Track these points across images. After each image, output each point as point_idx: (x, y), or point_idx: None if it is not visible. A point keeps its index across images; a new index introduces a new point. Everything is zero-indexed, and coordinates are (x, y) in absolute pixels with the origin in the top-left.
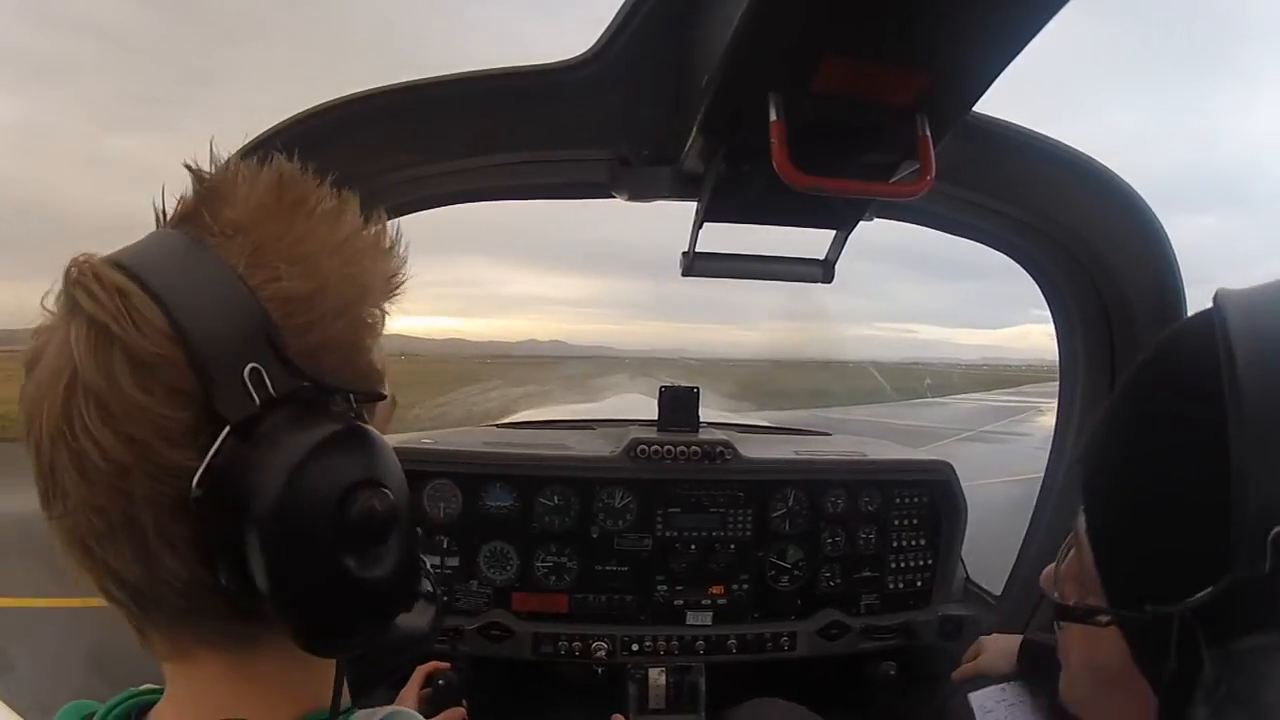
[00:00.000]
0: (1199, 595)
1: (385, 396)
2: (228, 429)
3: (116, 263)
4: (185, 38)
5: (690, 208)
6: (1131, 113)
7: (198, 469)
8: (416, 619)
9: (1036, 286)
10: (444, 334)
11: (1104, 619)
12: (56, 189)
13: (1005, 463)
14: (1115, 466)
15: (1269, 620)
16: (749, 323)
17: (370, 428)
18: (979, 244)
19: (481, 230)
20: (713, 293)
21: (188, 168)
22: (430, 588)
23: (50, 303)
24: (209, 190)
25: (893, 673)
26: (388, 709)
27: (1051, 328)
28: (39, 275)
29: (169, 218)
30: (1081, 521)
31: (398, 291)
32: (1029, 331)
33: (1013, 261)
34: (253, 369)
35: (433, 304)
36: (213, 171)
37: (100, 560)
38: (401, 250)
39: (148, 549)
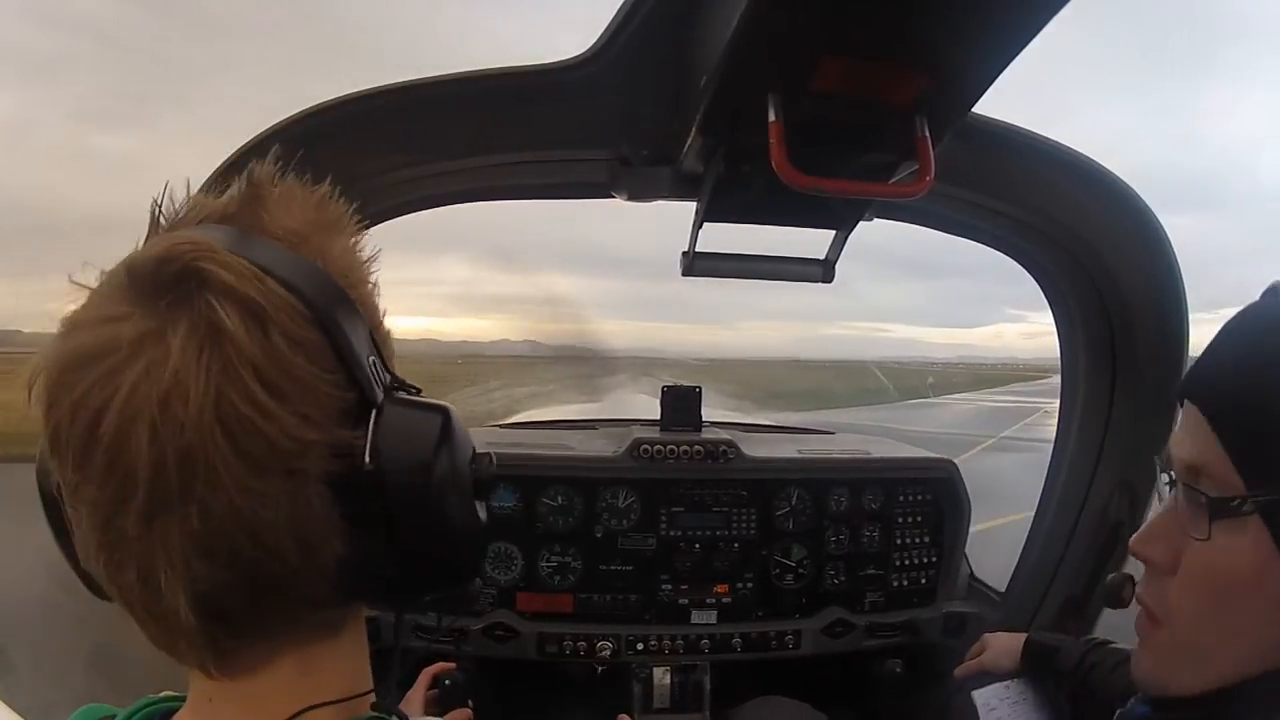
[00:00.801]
0: None
1: (420, 391)
2: (378, 408)
3: (232, 249)
4: (170, 34)
5: (669, 206)
6: (1110, 113)
7: (362, 446)
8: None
9: (1008, 288)
10: (418, 334)
11: (1248, 507)
12: (44, 186)
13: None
14: (1244, 368)
15: None
16: (726, 323)
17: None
18: (954, 244)
19: (455, 229)
20: (689, 292)
21: (235, 170)
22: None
23: (102, 288)
24: (255, 193)
25: (899, 670)
26: None
27: (1026, 327)
28: (30, 273)
29: (198, 213)
30: (1196, 450)
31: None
32: (1003, 331)
33: (984, 262)
34: (373, 360)
35: (410, 303)
36: (256, 174)
37: (247, 559)
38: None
39: (310, 534)
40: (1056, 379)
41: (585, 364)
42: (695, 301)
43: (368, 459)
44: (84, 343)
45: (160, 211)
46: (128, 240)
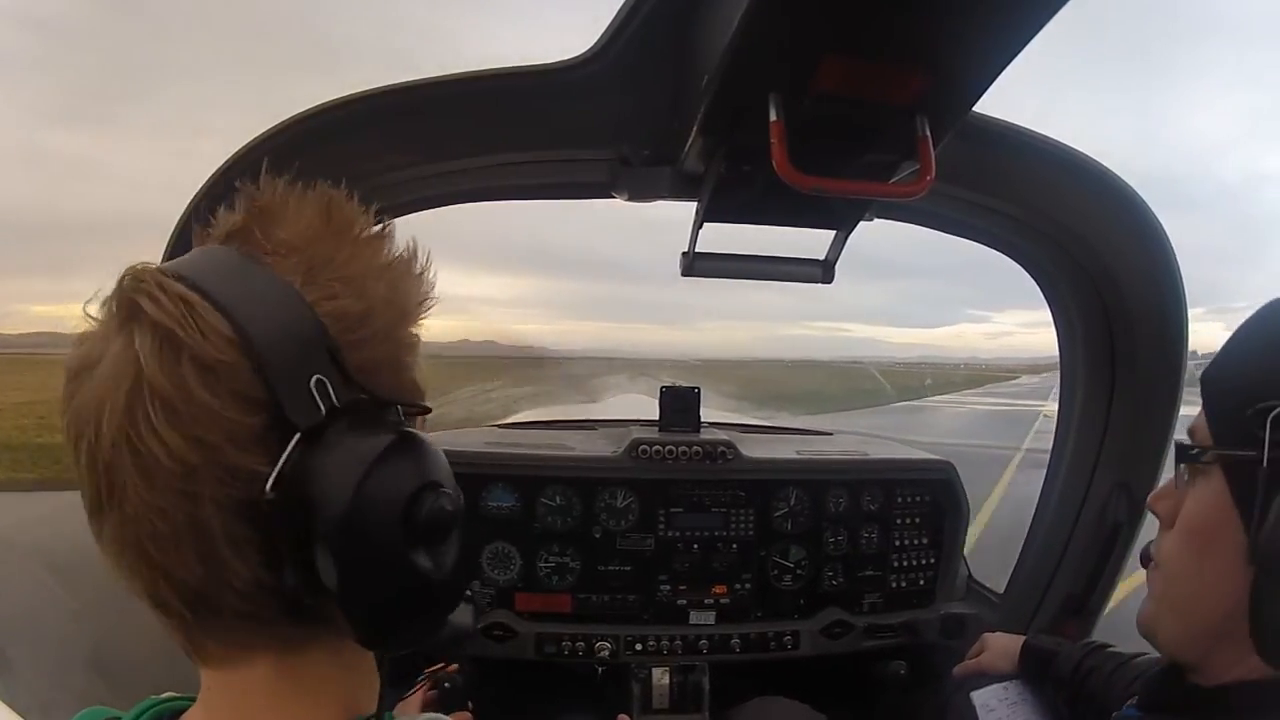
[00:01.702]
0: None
1: (430, 410)
2: (298, 435)
3: (176, 274)
4: (125, 31)
5: (631, 207)
6: (1073, 110)
7: (267, 473)
8: (460, 616)
9: (968, 289)
10: None
11: (1208, 458)
12: None
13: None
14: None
15: None
16: (686, 323)
17: (424, 434)
18: (915, 245)
19: (426, 230)
20: (649, 294)
21: (235, 187)
22: (469, 588)
23: (94, 310)
24: (260, 210)
25: (902, 672)
26: (425, 715)
27: (989, 328)
28: None
29: (214, 233)
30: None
31: (427, 314)
32: (964, 331)
33: (947, 264)
34: (318, 380)
35: None
36: (261, 191)
37: (158, 564)
38: (430, 275)
39: (212, 551)
40: (1025, 378)
41: (541, 365)
42: (655, 302)
43: (268, 487)
44: (72, 357)
45: (199, 227)
46: (82, 241)
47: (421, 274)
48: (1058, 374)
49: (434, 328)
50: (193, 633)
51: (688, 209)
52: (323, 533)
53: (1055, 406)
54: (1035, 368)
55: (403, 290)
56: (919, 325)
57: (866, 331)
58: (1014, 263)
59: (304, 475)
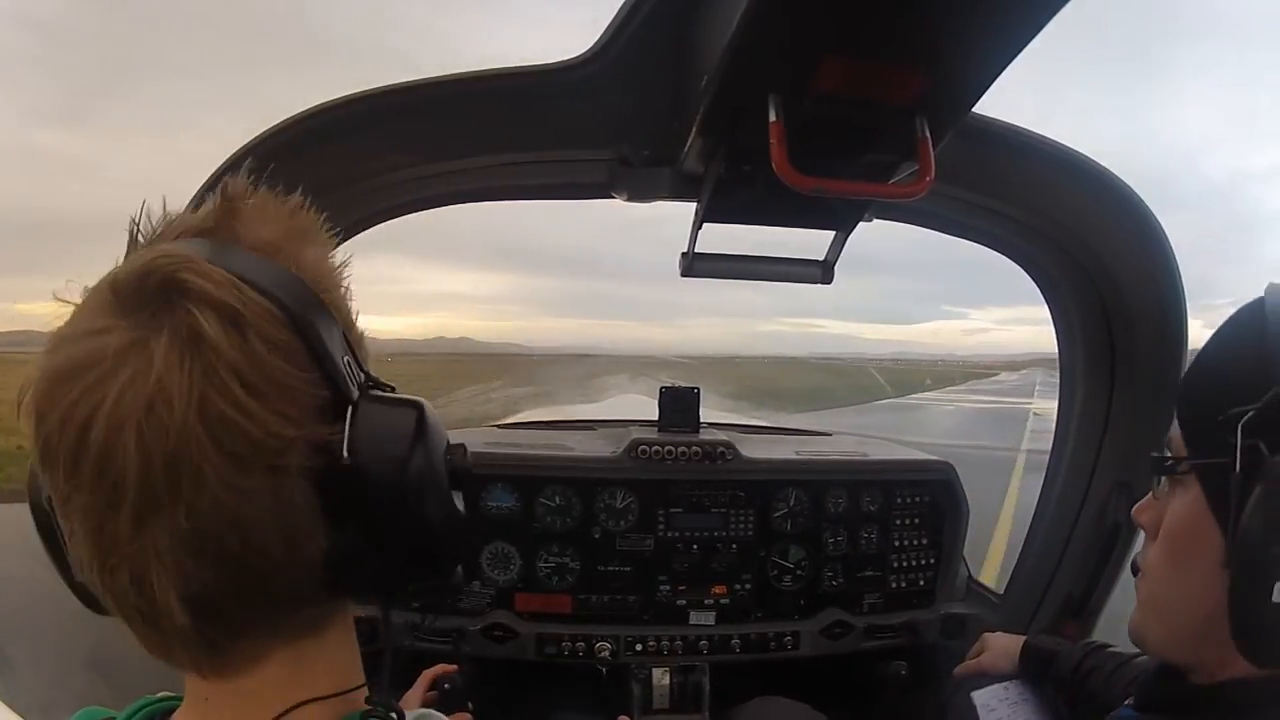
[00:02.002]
0: (1250, 407)
1: (394, 389)
2: (354, 405)
3: (208, 260)
4: (119, 29)
5: (612, 205)
6: (1071, 110)
7: (340, 441)
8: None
9: (944, 285)
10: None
11: (1184, 468)
12: None
13: None
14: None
15: None
16: (663, 320)
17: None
18: (889, 241)
19: (399, 228)
20: (625, 291)
21: (211, 186)
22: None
23: (87, 303)
24: (230, 207)
25: (903, 672)
26: (418, 710)
27: (966, 324)
28: None
29: (176, 228)
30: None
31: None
32: (940, 328)
33: (920, 259)
34: (348, 360)
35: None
36: (231, 189)
37: (233, 555)
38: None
39: (295, 526)
40: (1004, 374)
41: (517, 361)
42: (635, 299)
43: (345, 453)
44: (70, 356)
45: (139, 229)
46: (73, 240)
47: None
48: (1036, 370)
49: (410, 325)
50: (216, 635)
51: (676, 205)
52: (395, 488)
53: (1044, 404)
54: (1013, 364)
55: (344, 287)
56: (895, 321)
57: (841, 328)
58: (994, 260)
59: (363, 442)
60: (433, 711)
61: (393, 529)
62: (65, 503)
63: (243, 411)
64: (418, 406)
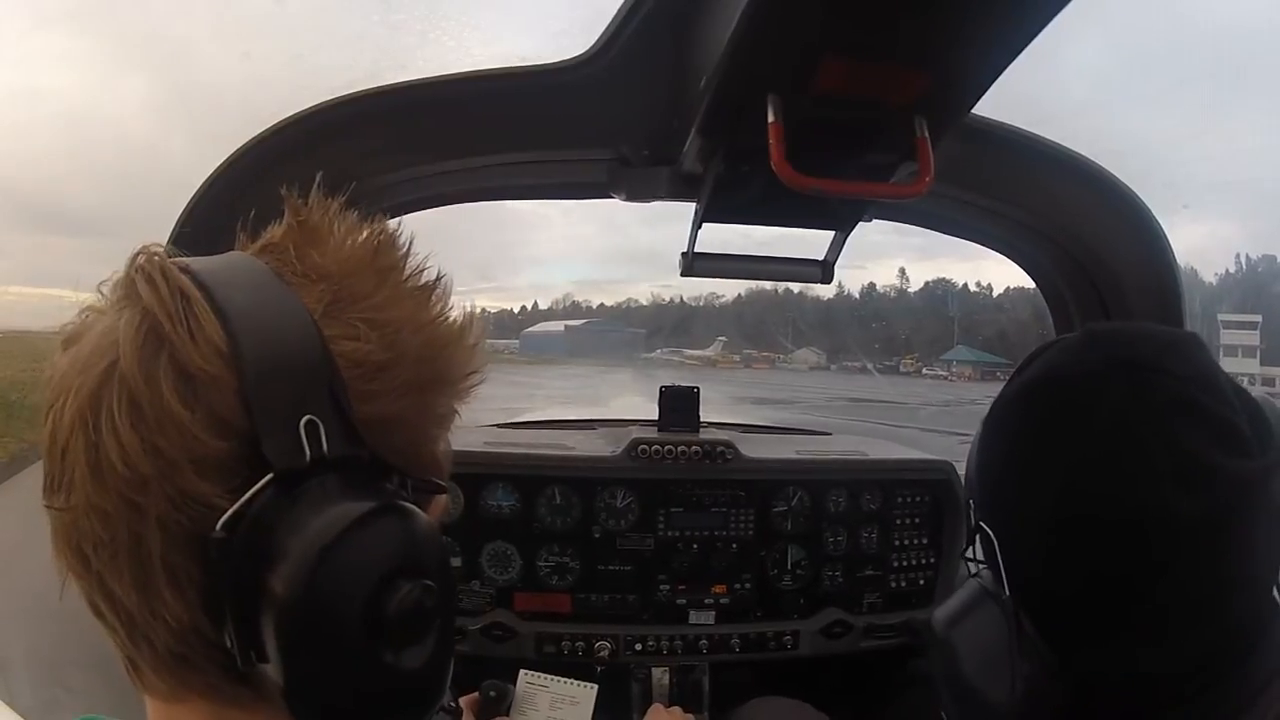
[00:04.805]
0: None
1: (445, 490)
2: (270, 476)
3: (185, 266)
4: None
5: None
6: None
7: (225, 508)
8: None
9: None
10: None
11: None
12: None
13: None
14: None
15: None
16: None
17: (421, 512)
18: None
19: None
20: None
21: (283, 198)
22: (449, 702)
23: (106, 287)
24: (302, 226)
25: (919, 672)
26: None
27: None
28: None
29: (249, 242)
30: None
31: (472, 391)
32: None
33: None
34: (309, 420)
35: None
36: (309, 208)
37: (95, 571)
38: (482, 348)
39: (148, 577)
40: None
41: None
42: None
43: (218, 524)
44: (68, 326)
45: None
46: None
47: (475, 346)
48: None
49: None
50: (132, 656)
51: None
52: (273, 595)
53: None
54: None
55: (445, 356)
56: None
57: None
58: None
59: (266, 523)
60: None
61: (280, 653)
62: None
63: (113, 432)
64: (374, 506)
